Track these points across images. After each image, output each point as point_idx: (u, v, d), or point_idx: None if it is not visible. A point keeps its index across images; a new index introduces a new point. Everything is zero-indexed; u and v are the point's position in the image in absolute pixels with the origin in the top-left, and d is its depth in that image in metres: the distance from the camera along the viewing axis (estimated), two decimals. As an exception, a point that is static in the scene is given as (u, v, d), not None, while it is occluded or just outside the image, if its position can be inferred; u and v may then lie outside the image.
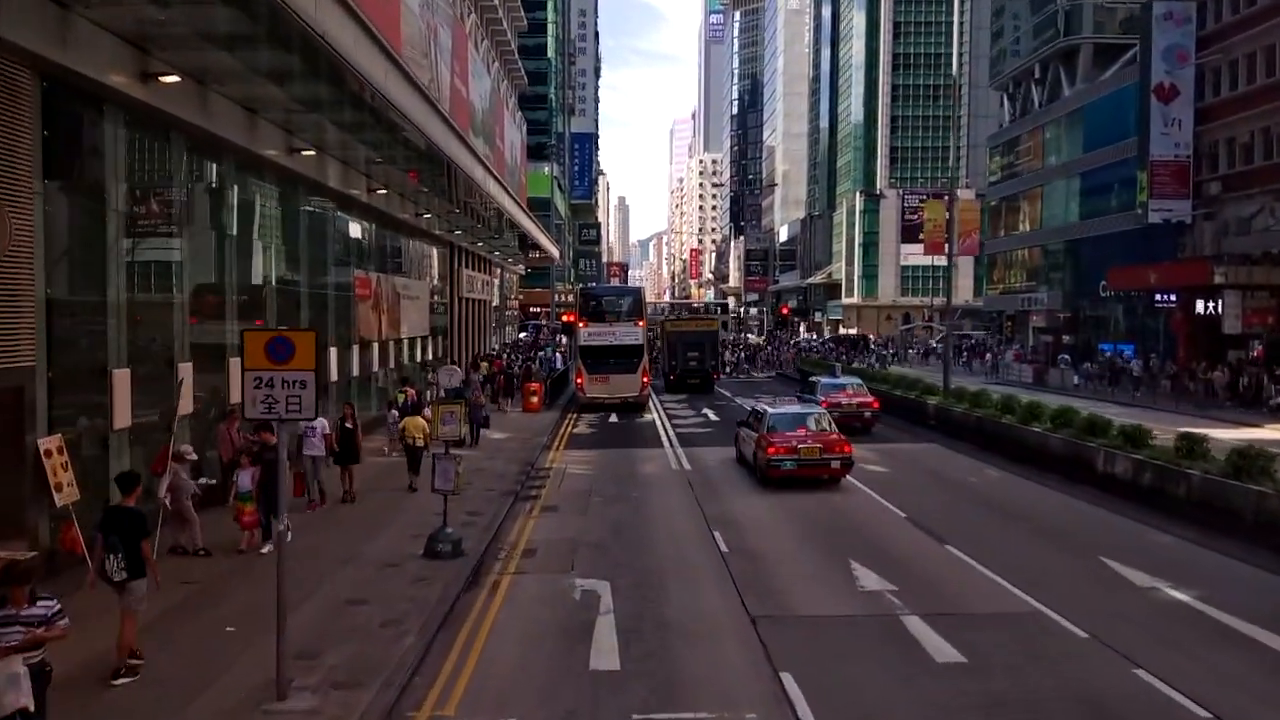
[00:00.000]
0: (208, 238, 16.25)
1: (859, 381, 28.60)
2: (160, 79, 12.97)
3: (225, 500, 15.70)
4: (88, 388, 12.62)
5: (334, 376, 22.09)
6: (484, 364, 35.36)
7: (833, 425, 19.33)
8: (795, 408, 20.96)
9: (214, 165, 16.26)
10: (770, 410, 19.79)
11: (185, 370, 14.51)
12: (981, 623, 10.39)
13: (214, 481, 14.63)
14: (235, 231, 17.01)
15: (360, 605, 10.73)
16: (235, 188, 17.18)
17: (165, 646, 9.45)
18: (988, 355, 55.47)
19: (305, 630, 9.82)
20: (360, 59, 13.92)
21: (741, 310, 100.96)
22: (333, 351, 21.95)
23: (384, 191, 25.15)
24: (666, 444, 25.23)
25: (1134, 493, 16.62)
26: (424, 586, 11.48)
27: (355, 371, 23.96)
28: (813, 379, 30.05)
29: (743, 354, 59.78)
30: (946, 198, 35.54)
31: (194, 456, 13.31)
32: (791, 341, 70.57)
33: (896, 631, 10.14)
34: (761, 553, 13.48)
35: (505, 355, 43.01)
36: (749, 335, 79.42)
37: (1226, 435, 21.06)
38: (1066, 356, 45.46)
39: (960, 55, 66.31)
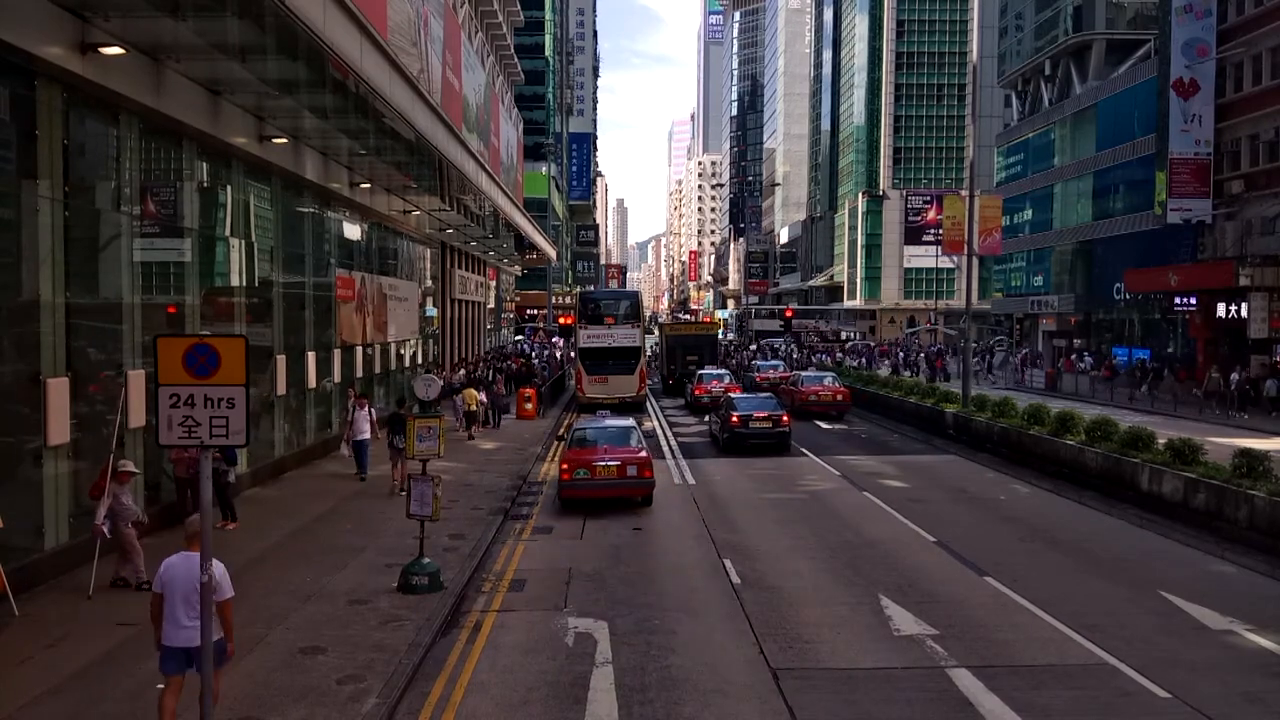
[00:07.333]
0: (167, 233, 14.78)
1: (782, 364, 43.82)
2: (101, 50, 11.51)
3: (182, 522, 14.35)
4: (17, 398, 11.13)
5: (312, 384, 20.63)
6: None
7: (732, 380, 34.63)
8: (715, 370, 36.14)
9: (171, 151, 14.74)
10: (700, 372, 35.38)
11: (135, 379, 13.02)
12: (1042, 678, 8.88)
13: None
14: (197, 226, 15.49)
15: (317, 655, 9.22)
16: (199, 178, 15.65)
17: (82, 710, 7.96)
18: (991, 359, 53.71)
19: (248, 689, 8.35)
20: (334, 35, 12.45)
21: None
22: (310, 356, 20.48)
23: (368, 186, 23.68)
24: (668, 454, 23.74)
25: (1184, 514, 15.12)
26: (394, 630, 9.98)
27: (336, 378, 22.46)
28: (752, 362, 47.75)
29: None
30: (965, 193, 34.07)
31: (134, 469, 11.72)
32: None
33: (944, 689, 8.64)
34: (778, 586, 11.97)
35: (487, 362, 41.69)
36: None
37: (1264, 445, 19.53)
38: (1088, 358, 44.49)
39: (971, 51, 65.00)
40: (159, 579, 7.07)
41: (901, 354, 55.96)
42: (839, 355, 57.91)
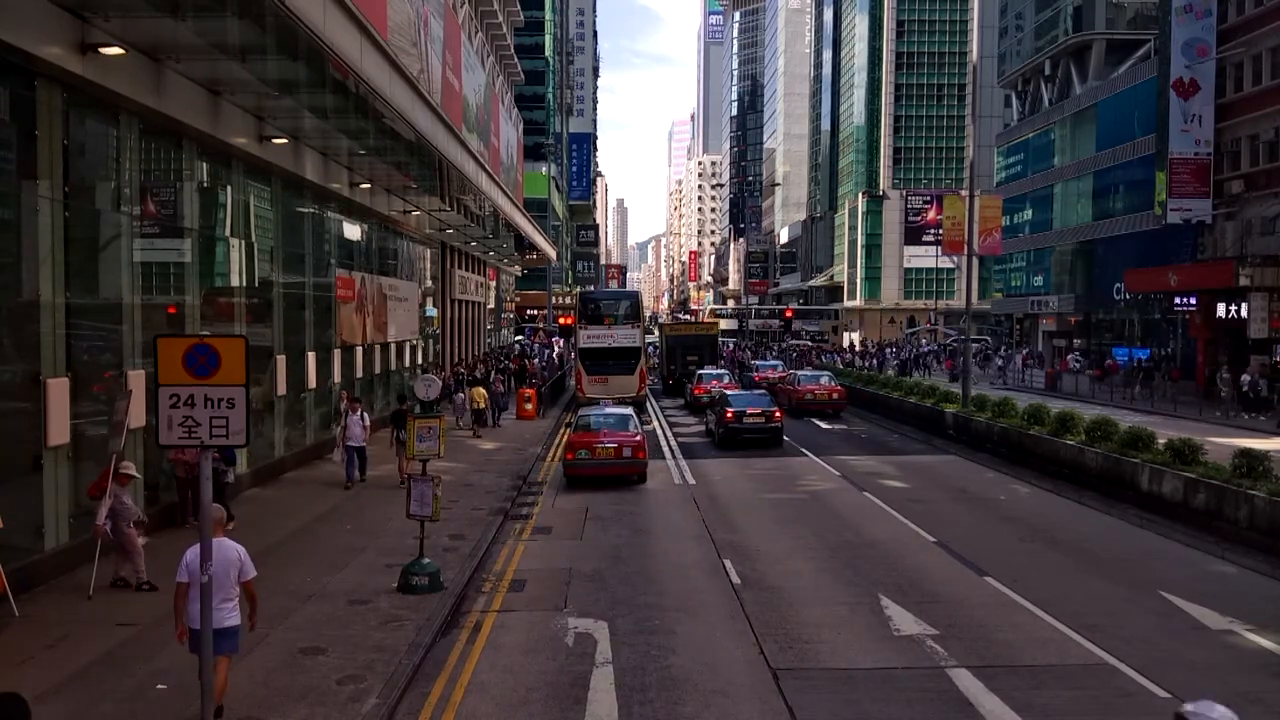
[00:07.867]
0: (167, 233, 14.78)
1: (780, 364, 45.03)
2: (101, 50, 11.51)
3: (184, 522, 14.37)
4: (17, 398, 11.12)
5: (312, 384, 20.63)
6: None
7: (731, 378, 36.15)
8: (714, 370, 37.20)
9: (171, 151, 14.74)
10: (700, 371, 36.20)
11: (136, 379, 13.02)
12: (1042, 678, 8.89)
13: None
14: (197, 226, 15.49)
15: (317, 655, 9.22)
16: (199, 178, 15.64)
17: (82, 710, 7.96)
18: (1001, 360, 53.67)
19: (248, 689, 8.33)
20: (334, 35, 12.45)
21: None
22: (311, 357, 20.48)
23: (368, 186, 23.68)
24: (668, 454, 23.75)
25: (1184, 514, 15.13)
26: (394, 630, 9.98)
27: (337, 378, 22.46)
28: (750, 362, 48.52)
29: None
30: (965, 193, 34.11)
31: (135, 472, 11.72)
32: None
33: (944, 690, 8.65)
34: (778, 586, 11.98)
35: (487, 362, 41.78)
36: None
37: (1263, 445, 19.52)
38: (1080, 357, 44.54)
39: (971, 51, 65.15)
40: (184, 568, 7.28)
41: (893, 351, 56.40)
42: (828, 354, 58.28)
